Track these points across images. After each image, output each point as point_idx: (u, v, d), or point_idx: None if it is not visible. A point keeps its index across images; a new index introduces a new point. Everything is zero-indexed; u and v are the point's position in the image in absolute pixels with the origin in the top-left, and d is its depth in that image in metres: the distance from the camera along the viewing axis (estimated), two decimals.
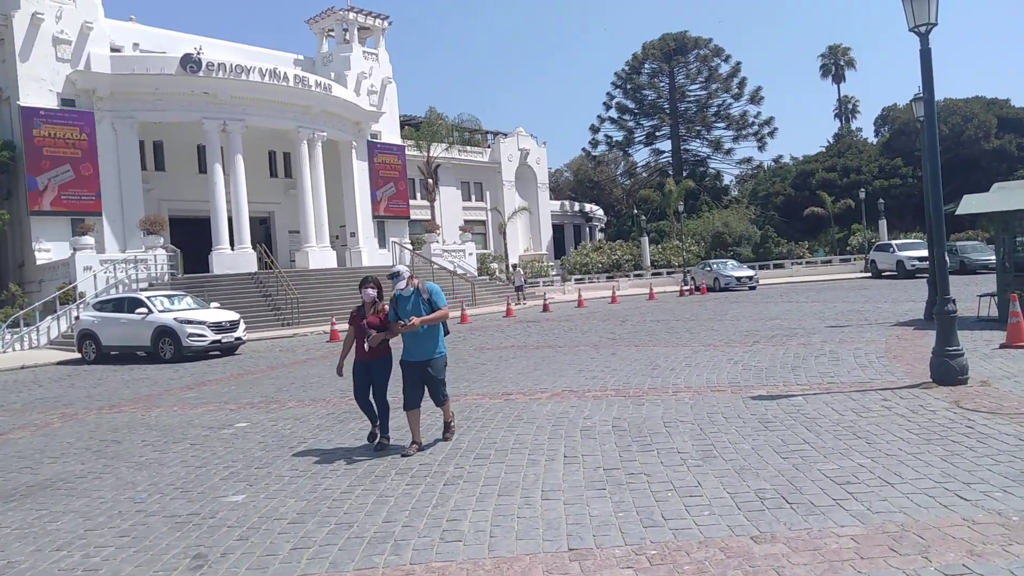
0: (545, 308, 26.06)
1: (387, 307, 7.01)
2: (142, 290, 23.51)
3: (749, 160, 63.71)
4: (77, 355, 18.58)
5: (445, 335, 7.03)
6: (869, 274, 34.39)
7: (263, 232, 36.59)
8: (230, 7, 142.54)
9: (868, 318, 16.24)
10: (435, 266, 33.33)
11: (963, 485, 4.96)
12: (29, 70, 27.51)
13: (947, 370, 8.23)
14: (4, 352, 21.63)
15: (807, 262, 42.76)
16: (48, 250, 26.93)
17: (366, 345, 6.91)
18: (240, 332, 17.98)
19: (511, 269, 34.10)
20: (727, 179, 65.36)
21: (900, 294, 22.31)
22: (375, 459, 6.66)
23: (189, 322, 17.05)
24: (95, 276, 24.29)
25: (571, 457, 6.29)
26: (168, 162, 33.11)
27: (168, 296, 19.01)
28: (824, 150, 58.05)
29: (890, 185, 48.57)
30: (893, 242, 34.04)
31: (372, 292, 7.09)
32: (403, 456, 6.62)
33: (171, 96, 29.17)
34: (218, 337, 17.22)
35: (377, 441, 7.11)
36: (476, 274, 36.38)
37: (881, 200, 42.67)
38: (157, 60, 29.74)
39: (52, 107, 27.71)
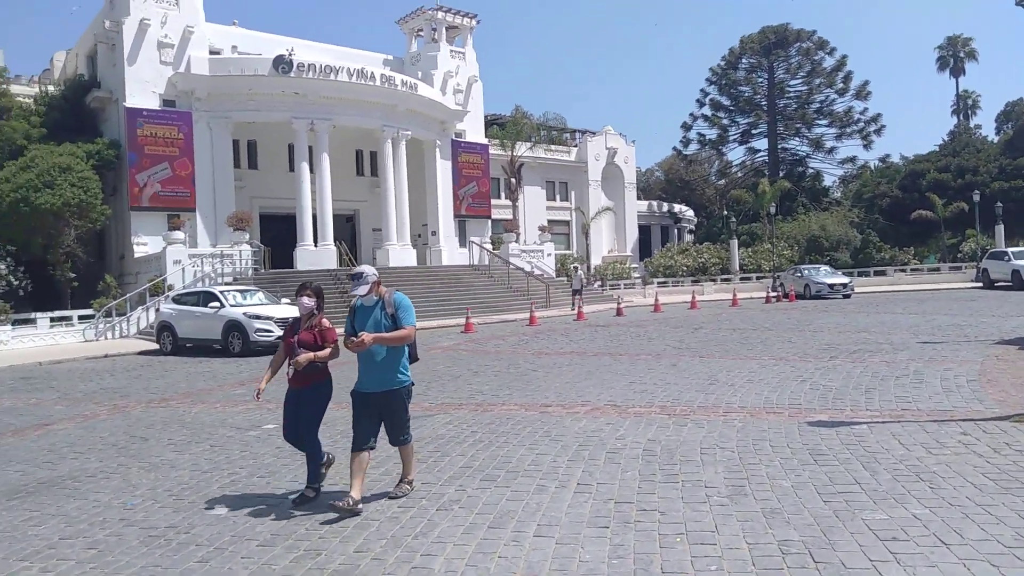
0: (619, 312, 25.22)
1: (325, 321, 5.75)
2: (227, 284, 24.31)
3: (853, 159, 60.06)
4: (157, 346, 19.32)
5: (412, 361, 5.67)
6: (980, 284, 31.57)
7: (348, 229, 37.34)
8: (328, 10, 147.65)
9: (968, 334, 14.67)
10: (511, 266, 33.02)
11: None
12: (135, 73, 29.02)
13: None
14: (97, 340, 22.84)
15: (912, 269, 39.80)
16: (145, 244, 28.31)
17: (289, 368, 5.60)
18: None
19: (572, 271, 32.92)
20: (828, 180, 62.00)
21: (1012, 308, 20.20)
22: (379, 475, 6.27)
23: (257, 317, 17.36)
24: (183, 270, 25.31)
25: (584, 485, 5.70)
26: (261, 161, 34.27)
27: (241, 291, 19.49)
28: (937, 149, 54.06)
29: (1012, 187, 44.55)
30: (1009, 250, 31.10)
31: (309, 302, 5.69)
32: (330, 507, 5.18)
33: (263, 96, 30.12)
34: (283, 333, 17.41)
35: (299, 493, 5.65)
36: (554, 275, 35.84)
37: (999, 204, 39.19)
38: (251, 62, 30.78)
39: (154, 108, 29.13)
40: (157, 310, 20.86)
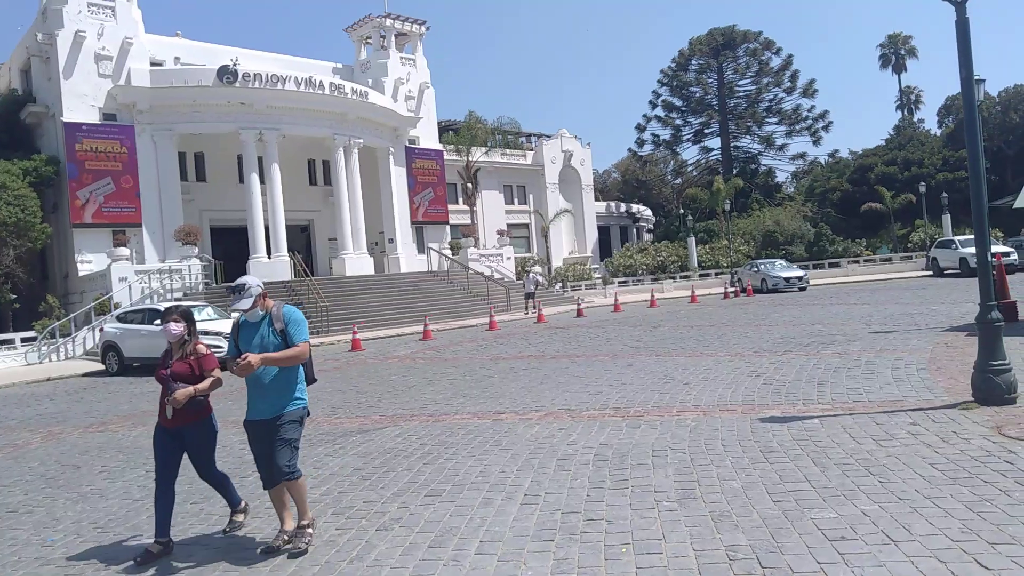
0: (579, 313, 25.16)
1: (202, 347, 5.00)
2: (175, 300, 23.61)
3: (803, 156, 61.41)
4: (103, 367, 18.62)
5: (309, 383, 5.00)
6: (930, 272, 32.32)
7: (304, 240, 36.73)
8: (274, 19, 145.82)
9: (919, 322, 14.90)
10: (470, 271, 32.79)
11: (988, 546, 4.00)
12: (72, 87, 28.04)
13: (991, 388, 7.14)
14: (40, 363, 21.96)
15: (864, 260, 40.63)
16: (90, 261, 27.38)
17: (168, 408, 4.79)
18: None
19: (524, 274, 32.55)
20: (780, 176, 63.22)
21: (960, 294, 20.65)
22: (319, 495, 6.00)
23: (205, 333, 16.65)
24: (130, 287, 24.52)
25: (532, 496, 5.51)
26: (209, 173, 33.43)
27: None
28: (884, 143, 55.38)
29: (955, 178, 45.83)
30: (956, 238, 31.94)
31: (177, 328, 4.90)
32: (263, 552, 4.70)
33: (208, 107, 29.38)
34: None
35: (228, 523, 5.27)
36: (514, 278, 35.69)
37: (945, 194, 40.25)
38: (195, 72, 30.01)
39: (94, 122, 28.18)
40: (101, 330, 20.11)
